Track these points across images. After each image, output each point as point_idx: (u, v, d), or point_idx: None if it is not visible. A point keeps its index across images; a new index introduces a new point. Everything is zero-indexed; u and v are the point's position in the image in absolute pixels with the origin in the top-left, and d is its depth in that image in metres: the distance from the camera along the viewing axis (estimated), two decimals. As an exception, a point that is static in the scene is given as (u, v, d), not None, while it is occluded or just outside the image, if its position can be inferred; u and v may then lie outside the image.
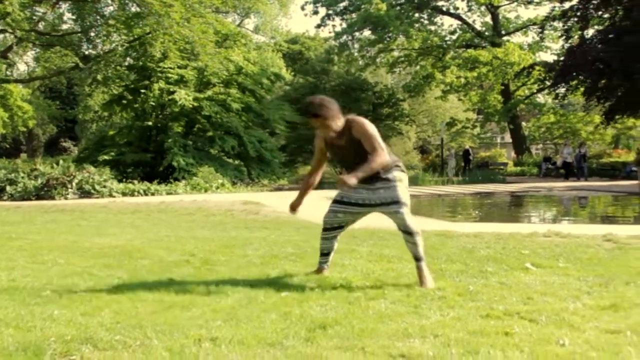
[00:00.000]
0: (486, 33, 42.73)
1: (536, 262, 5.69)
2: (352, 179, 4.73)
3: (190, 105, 24.67)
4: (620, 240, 6.99)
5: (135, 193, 18.62)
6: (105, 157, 24.08)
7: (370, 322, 3.78)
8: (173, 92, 24.72)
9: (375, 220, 10.30)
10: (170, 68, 25.27)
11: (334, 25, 56.36)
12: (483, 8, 42.76)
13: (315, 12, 42.55)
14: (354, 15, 40.84)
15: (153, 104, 25.88)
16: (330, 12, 42.23)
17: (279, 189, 24.47)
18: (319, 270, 5.35)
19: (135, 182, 19.92)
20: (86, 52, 28.51)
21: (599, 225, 9.94)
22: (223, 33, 28.61)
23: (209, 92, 27.00)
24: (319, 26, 43.54)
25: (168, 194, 19.02)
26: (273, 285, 4.94)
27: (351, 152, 5.03)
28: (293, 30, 64.71)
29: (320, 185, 23.64)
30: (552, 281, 4.93)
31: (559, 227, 8.49)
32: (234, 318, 3.92)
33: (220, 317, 3.94)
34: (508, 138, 52.47)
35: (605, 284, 4.79)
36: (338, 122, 5.04)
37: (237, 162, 27.54)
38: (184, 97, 24.41)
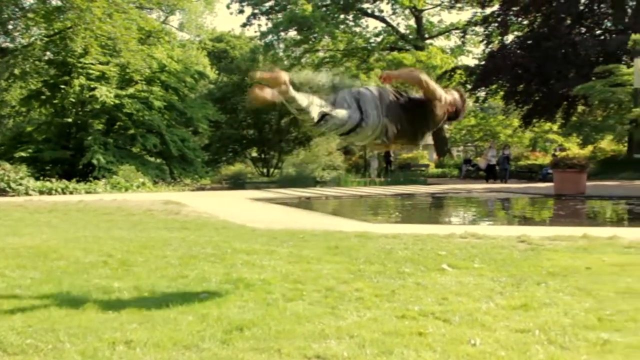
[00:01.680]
0: (410, 36, 43.36)
1: (452, 263, 5.79)
2: None
3: (112, 103, 24.28)
4: (534, 242, 7.19)
5: (53, 191, 18.19)
6: (22, 153, 23.50)
7: (287, 324, 3.79)
8: (94, 89, 24.29)
9: (298, 220, 10.36)
10: (92, 64, 24.81)
11: (259, 25, 56.44)
12: (407, 11, 43.38)
13: (241, 11, 42.41)
14: (279, 15, 40.86)
15: (73, 100, 25.35)
16: (256, 11, 42.15)
17: (202, 188, 24.30)
18: None
19: (54, 180, 19.45)
20: (3, 45, 27.71)
21: (514, 227, 10.20)
22: (146, 30, 28.25)
23: (131, 90, 26.62)
24: (244, 25, 43.45)
25: (87, 192, 18.65)
26: (191, 287, 4.92)
27: None
28: (218, 29, 64.12)
29: (243, 186, 23.53)
30: (467, 282, 5.04)
31: (476, 228, 8.66)
32: (150, 320, 3.88)
33: (135, 320, 3.89)
34: (430, 140, 53.29)
35: (517, 284, 4.91)
36: None
37: (159, 160, 27.26)
38: (105, 94, 24.01)
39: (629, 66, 28.56)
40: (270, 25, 41.35)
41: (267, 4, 41.84)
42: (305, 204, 16.71)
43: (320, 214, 12.46)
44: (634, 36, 26.19)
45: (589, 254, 6.38)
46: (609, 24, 37.53)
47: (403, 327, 3.67)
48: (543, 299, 4.42)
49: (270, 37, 41.23)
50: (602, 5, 37.04)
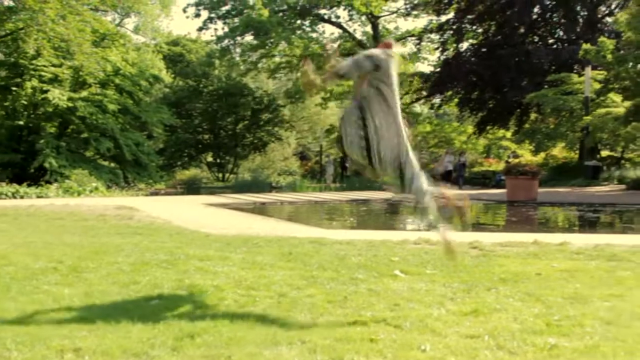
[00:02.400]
0: (366, 42, 43.54)
1: (405, 269, 5.83)
2: None
3: (65, 106, 23.95)
4: (486, 248, 7.27)
5: (3, 196, 17.86)
6: (-29, 157, 23.04)
7: (239, 330, 3.78)
8: (46, 91, 23.94)
9: (252, 226, 10.33)
10: (44, 66, 24.46)
11: (216, 29, 56.14)
12: (364, 18, 43.58)
13: (197, 15, 42.15)
14: (236, 19, 40.71)
15: (25, 102, 24.95)
16: (213, 15, 41.93)
17: (156, 193, 24.09)
18: None
19: (4, 184, 19.10)
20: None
21: (467, 233, 10.29)
22: (101, 32, 27.94)
23: (85, 93, 26.28)
24: (200, 29, 43.27)
25: (38, 197, 18.35)
26: (143, 293, 4.87)
27: None
28: (175, 32, 63.83)
29: (198, 191, 23.35)
30: (419, 288, 5.08)
31: (429, 234, 8.72)
32: (100, 328, 3.84)
33: (85, 327, 3.84)
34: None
35: (468, 290, 4.97)
36: None
37: (112, 165, 26.98)
38: (58, 96, 23.68)
39: (580, 75, 29.11)
40: (226, 29, 41.18)
41: (224, 9, 41.67)
42: (260, 209, 16.66)
43: (275, 220, 12.43)
44: (585, 46, 26.67)
45: (539, 260, 6.48)
46: (561, 34, 38.22)
47: (354, 333, 3.69)
48: (493, 304, 4.47)
49: (226, 41, 41.08)
50: (554, 15, 37.72)
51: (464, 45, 40.76)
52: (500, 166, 32.15)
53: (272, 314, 4.24)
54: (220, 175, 41.73)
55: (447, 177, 28.80)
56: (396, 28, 46.98)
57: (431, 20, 43.01)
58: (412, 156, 4.80)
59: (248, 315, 4.18)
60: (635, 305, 4.40)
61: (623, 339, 3.54)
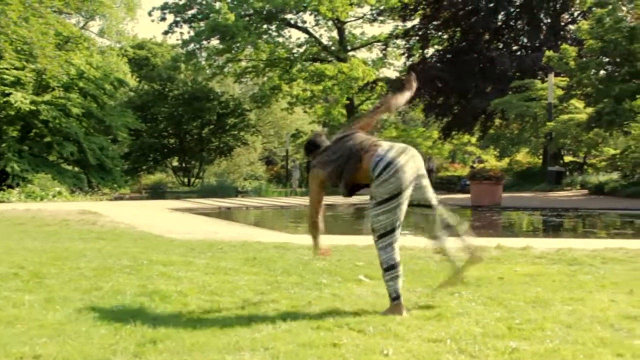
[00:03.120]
0: (332, 47, 43.69)
1: (369, 274, 5.84)
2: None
3: (27, 109, 23.64)
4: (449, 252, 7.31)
5: (-36, 200, 17.61)
6: None
7: (202, 336, 3.76)
8: (8, 95, 23.59)
9: (217, 231, 10.29)
10: (6, 69, 24.11)
11: (181, 33, 55.67)
12: (330, 23, 43.67)
13: (163, 19, 41.91)
14: (202, 23, 40.53)
15: (-14, 106, 24.58)
16: (178, 19, 41.71)
17: (120, 198, 23.90)
18: None
19: (-36, 188, 18.84)
20: None
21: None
22: (64, 35, 27.65)
23: (48, 96, 25.98)
24: (166, 33, 42.92)
25: (0, 202, 18.09)
26: (105, 299, 4.82)
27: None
28: (140, 35, 63.40)
29: (163, 195, 23.21)
30: (383, 292, 5.05)
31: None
32: (62, 334, 3.79)
33: (46, 334, 3.80)
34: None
35: (432, 295, 5.00)
36: None
37: (76, 169, 26.68)
38: (21, 100, 23.38)
39: (543, 81, 29.48)
40: (192, 33, 40.97)
41: (190, 12, 41.49)
42: (225, 214, 16.62)
43: (240, 225, 12.41)
44: (548, 53, 27.02)
45: (502, 265, 6.54)
46: (525, 41, 38.67)
47: (318, 338, 3.69)
48: (456, 309, 4.50)
49: (192, 45, 40.87)
50: (518, 23, 38.16)
51: (430, 51, 41.11)
52: (465, 171, 32.42)
53: (235, 319, 4.22)
54: (186, 179, 41.53)
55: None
56: (362, 33, 47.16)
57: (397, 26, 43.31)
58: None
59: (211, 321, 4.16)
60: (595, 309, 4.45)
61: (583, 343, 3.58)
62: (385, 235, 4.60)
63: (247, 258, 6.85)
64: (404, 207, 4.62)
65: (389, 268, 4.52)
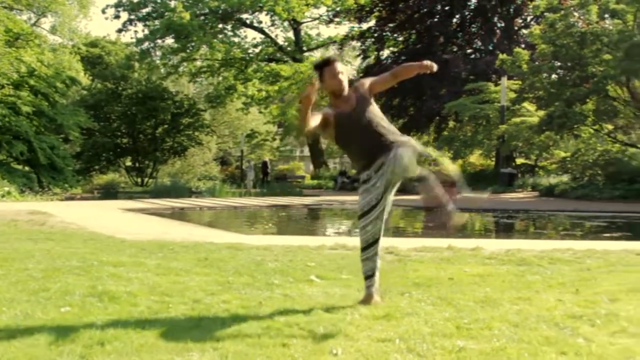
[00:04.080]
0: (288, 48, 43.68)
1: (321, 274, 5.86)
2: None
3: (-25, 107, 23.18)
4: (401, 253, 7.38)
5: None
6: None
7: (150, 337, 3.72)
8: (-45, 92, 23.13)
9: (169, 232, 10.21)
10: (-47, 66, 23.64)
11: (136, 31, 55.30)
12: (286, 23, 43.68)
13: (117, 17, 41.45)
14: (156, 22, 40.19)
15: None
16: (133, 17, 41.30)
17: (71, 198, 23.55)
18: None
19: None
20: None
21: (384, 238, 10.42)
22: (15, 32, 27.17)
23: (-3, 94, 25.51)
24: (120, 31, 42.49)
25: (-53, 201, 17.73)
26: (53, 300, 4.74)
27: (364, 120, 4.74)
28: (93, 33, 62.54)
29: (116, 195, 22.93)
30: (333, 292, 5.11)
31: (346, 240, 8.80)
32: (7, 336, 3.72)
33: (-10, 335, 3.73)
34: (307, 152, 53.90)
35: (382, 295, 5.02)
36: (347, 80, 4.84)
37: (26, 169, 26.20)
38: (-31, 97, 22.91)
39: (496, 84, 29.88)
40: (146, 32, 40.61)
41: (144, 11, 41.09)
42: (178, 214, 16.51)
43: (192, 225, 12.34)
44: (501, 56, 27.38)
45: (452, 265, 6.61)
46: (479, 44, 39.15)
47: (267, 338, 3.68)
48: (406, 308, 4.53)
49: (146, 44, 40.52)
50: (473, 26, 38.60)
51: (385, 53, 41.36)
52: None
53: (185, 320, 4.20)
54: (139, 180, 41.08)
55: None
56: (318, 34, 47.30)
57: (353, 27, 43.48)
58: None
59: (161, 322, 4.12)
60: (541, 309, 4.52)
61: (528, 341, 3.63)
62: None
63: (198, 259, 6.81)
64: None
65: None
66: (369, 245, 4.85)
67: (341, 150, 4.80)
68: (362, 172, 4.86)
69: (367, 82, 4.89)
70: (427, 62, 4.68)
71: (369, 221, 4.82)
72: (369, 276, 4.78)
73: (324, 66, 4.82)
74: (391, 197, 4.93)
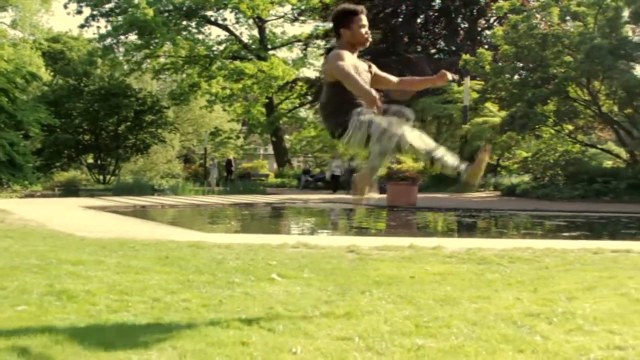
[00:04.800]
0: (253, 46, 43.53)
1: (282, 273, 5.85)
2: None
3: None
4: (363, 252, 7.40)
5: None
6: None
7: (109, 336, 3.69)
8: None
9: (130, 230, 10.13)
10: None
11: (98, 27, 54.55)
12: (251, 21, 43.53)
13: (79, 12, 40.91)
14: (120, 18, 39.77)
15: None
16: (95, 12, 40.77)
17: (31, 195, 23.23)
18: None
19: None
20: None
21: (345, 237, 10.49)
22: (-27, 26, 26.74)
23: (-46, 89, 25.05)
24: (82, 26, 41.92)
25: None
26: (9, 299, 4.67)
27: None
28: (55, 28, 61.70)
29: (77, 193, 22.64)
30: (294, 291, 5.11)
31: (308, 238, 8.81)
32: (-42, 336, 3.66)
33: (-59, 336, 3.66)
34: (271, 150, 53.82)
35: (343, 293, 5.03)
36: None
37: (-16, 165, 25.74)
38: None
39: (459, 84, 30.08)
40: (109, 28, 40.16)
41: (107, 6, 40.59)
42: (140, 212, 16.38)
43: (154, 224, 12.25)
44: (464, 56, 27.61)
45: (413, 264, 6.65)
46: (442, 44, 39.44)
47: (227, 337, 3.67)
48: (366, 307, 4.55)
49: (109, 40, 40.02)
50: (437, 27, 38.86)
51: (350, 52, 41.36)
52: (383, 171, 32.75)
53: (144, 319, 4.17)
54: (101, 177, 40.63)
55: (334, 182, 29.11)
56: (283, 33, 47.13)
57: (318, 26, 43.51)
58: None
59: (119, 321, 4.09)
60: (500, 307, 4.57)
61: (486, 339, 3.67)
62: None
63: (159, 257, 6.76)
64: None
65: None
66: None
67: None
68: None
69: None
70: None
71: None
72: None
73: (356, 15, 4.72)
74: None
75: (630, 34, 24.62)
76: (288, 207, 20.19)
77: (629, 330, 3.91)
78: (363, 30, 4.73)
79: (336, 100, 4.55)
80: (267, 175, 42.76)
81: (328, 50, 41.48)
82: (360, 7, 4.78)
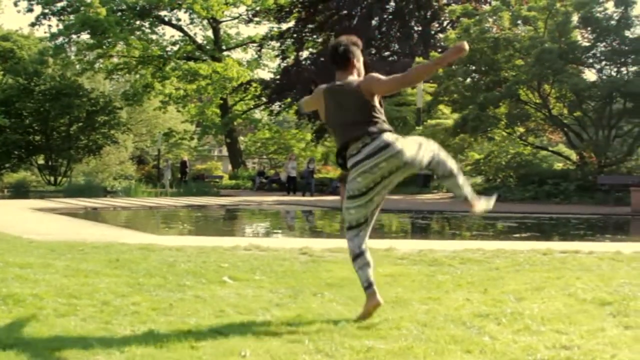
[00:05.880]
0: (207, 47, 43.36)
1: (234, 276, 5.82)
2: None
3: None
4: (315, 253, 7.40)
5: None
6: None
7: (56, 340, 3.64)
8: None
9: (81, 232, 9.99)
10: None
11: (50, 25, 53.88)
12: (205, 22, 43.36)
13: (30, 10, 40.32)
14: (72, 17, 39.24)
15: None
16: (47, 11, 40.21)
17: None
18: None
19: None
20: None
21: (298, 239, 10.50)
22: None
23: None
24: (33, 25, 41.31)
25: None
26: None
27: (352, 108, 4.43)
28: (5, 27, 60.47)
29: (27, 195, 22.25)
30: (246, 294, 5.09)
31: (261, 240, 8.79)
32: None
33: None
34: (225, 151, 53.61)
35: (294, 296, 5.03)
36: (362, 67, 4.62)
37: None
38: None
39: (413, 87, 30.29)
40: (61, 26, 39.59)
41: (59, 5, 40.06)
42: (91, 214, 16.19)
43: (105, 226, 12.11)
44: (418, 59, 27.81)
45: (366, 265, 6.66)
46: (396, 47, 39.67)
47: (176, 340, 3.64)
48: (317, 309, 4.56)
49: (61, 39, 39.49)
50: (391, 29, 39.10)
51: (304, 54, 41.52)
52: (338, 173, 32.87)
53: (93, 323, 4.11)
54: (52, 178, 39.99)
55: (291, 184, 29.07)
56: (237, 34, 47.03)
57: (272, 27, 43.49)
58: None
59: (67, 325, 4.03)
60: (450, 308, 4.61)
61: (435, 340, 3.70)
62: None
63: (109, 260, 6.68)
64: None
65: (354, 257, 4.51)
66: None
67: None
68: None
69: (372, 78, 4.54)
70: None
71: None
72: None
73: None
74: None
75: (579, 38, 25.07)
76: (242, 209, 20.12)
77: (575, 329, 3.98)
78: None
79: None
80: (221, 177, 42.53)
81: (282, 52, 41.57)
82: (341, 54, 4.63)
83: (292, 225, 16.69)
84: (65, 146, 39.57)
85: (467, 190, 4.75)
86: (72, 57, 41.19)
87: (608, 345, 3.63)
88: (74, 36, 39.65)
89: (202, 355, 3.39)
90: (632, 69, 24.49)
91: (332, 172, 37.91)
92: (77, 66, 41.96)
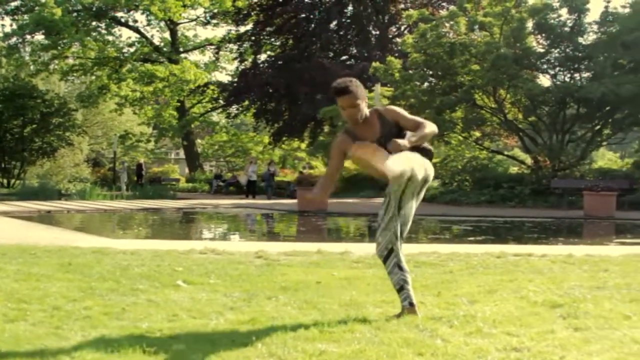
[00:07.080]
0: (164, 49, 43.05)
1: (188, 279, 5.79)
2: (405, 142, 4.30)
3: None
4: (270, 257, 7.40)
5: None
6: None
7: (4, 346, 3.59)
8: None
9: (32, 236, 9.84)
10: None
11: (3, 25, 53.09)
12: (162, 23, 43.06)
13: (-18, 9, 39.61)
14: (26, 16, 38.63)
15: None
16: (0, 10, 39.55)
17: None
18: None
19: None
20: None
21: (254, 243, 10.47)
22: None
23: None
24: (-15, 24, 40.59)
25: None
26: None
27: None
28: (-44, 27, 59.62)
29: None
30: (200, 298, 5.06)
31: (216, 244, 8.75)
32: None
33: None
34: (182, 154, 53.26)
35: (249, 299, 5.02)
36: (366, 106, 4.65)
37: None
38: None
39: (370, 91, 30.41)
40: (15, 26, 38.95)
41: (13, 4, 39.42)
42: (45, 218, 15.94)
43: (59, 229, 11.95)
44: (374, 64, 27.94)
45: (321, 269, 6.69)
46: (354, 51, 39.83)
47: (128, 345, 3.60)
48: (271, 313, 4.56)
49: (14, 39, 38.83)
50: (349, 33, 39.24)
51: (262, 57, 41.47)
52: (295, 177, 32.89)
53: (42, 328, 4.06)
54: (5, 181, 39.30)
55: (250, 187, 28.96)
56: (195, 36, 46.92)
57: (230, 30, 43.36)
58: None
59: (17, 330, 3.97)
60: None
61: (388, 343, 3.72)
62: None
63: (61, 264, 6.59)
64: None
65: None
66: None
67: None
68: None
69: (396, 111, 4.73)
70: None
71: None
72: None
73: (338, 95, 4.66)
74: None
75: (534, 44, 25.41)
76: (198, 212, 20.00)
77: (526, 332, 4.03)
78: (351, 110, 4.67)
79: None
80: (178, 180, 42.20)
81: (240, 55, 41.46)
82: (348, 86, 4.66)
83: (248, 228, 16.64)
84: (18, 148, 38.89)
85: None
86: (26, 58, 40.56)
87: (558, 347, 3.68)
88: (28, 36, 39.04)
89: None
90: (585, 75, 24.93)
91: (290, 175, 37.91)
92: (32, 67, 41.31)
